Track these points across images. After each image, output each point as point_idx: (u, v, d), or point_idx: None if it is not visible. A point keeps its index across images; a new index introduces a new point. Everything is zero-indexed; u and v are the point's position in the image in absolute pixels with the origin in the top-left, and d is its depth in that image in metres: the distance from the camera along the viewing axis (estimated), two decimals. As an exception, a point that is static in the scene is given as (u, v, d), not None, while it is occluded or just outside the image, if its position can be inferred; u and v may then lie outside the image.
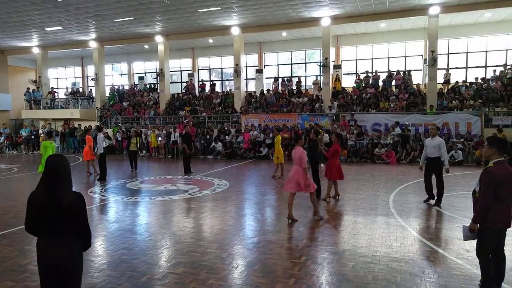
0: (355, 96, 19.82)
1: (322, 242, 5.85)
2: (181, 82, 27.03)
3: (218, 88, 25.17)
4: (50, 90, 26.81)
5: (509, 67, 18.79)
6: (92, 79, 26.18)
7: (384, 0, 16.32)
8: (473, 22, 19.56)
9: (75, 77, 30.45)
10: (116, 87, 26.96)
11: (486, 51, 20.24)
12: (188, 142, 13.66)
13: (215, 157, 18.21)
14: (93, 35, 22.54)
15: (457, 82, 19.28)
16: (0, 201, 8.99)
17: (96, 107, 24.93)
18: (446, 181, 8.32)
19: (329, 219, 7.14)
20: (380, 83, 20.54)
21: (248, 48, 23.22)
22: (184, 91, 24.97)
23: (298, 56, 24.57)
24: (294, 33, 21.97)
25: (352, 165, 15.20)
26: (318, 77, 21.90)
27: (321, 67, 20.38)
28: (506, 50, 19.75)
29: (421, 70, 21.05)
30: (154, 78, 26.01)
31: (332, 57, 20.84)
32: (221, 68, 26.34)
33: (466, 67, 20.71)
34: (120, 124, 22.24)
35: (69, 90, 27.55)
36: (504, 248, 4.05)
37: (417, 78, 20.93)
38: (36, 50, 25.33)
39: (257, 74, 23.43)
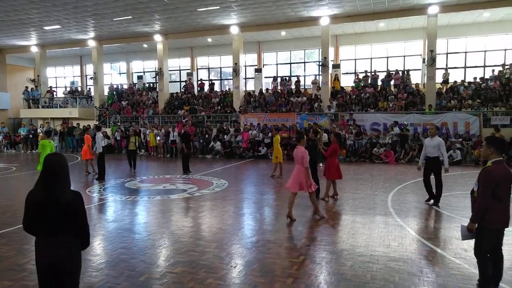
0: (354, 96, 19.83)
1: (321, 241, 5.85)
2: (180, 81, 27.01)
3: (217, 88, 25.15)
4: (49, 89, 26.76)
5: (508, 66, 18.82)
6: (90, 78, 26.13)
7: (383, -1, 16.35)
8: (472, 22, 19.59)
9: (73, 76, 30.41)
10: (115, 86, 26.94)
11: (485, 51, 20.28)
12: (187, 142, 13.66)
13: (214, 157, 18.20)
14: (91, 34, 22.49)
15: (455, 81, 19.31)
16: (-2, 200, 8.98)
17: (95, 106, 24.90)
18: (445, 180, 8.33)
19: (328, 218, 7.14)
20: (379, 83, 20.56)
21: (247, 47, 23.20)
22: (183, 90, 24.96)
23: (297, 55, 24.57)
24: (293, 33, 21.96)
25: (351, 164, 15.21)
26: (317, 76, 21.91)
27: (320, 67, 20.39)
28: (505, 49, 19.79)
29: (420, 69, 21.09)
30: (153, 77, 25.99)
31: (331, 56, 20.83)
32: (220, 67, 26.33)
33: (465, 67, 20.75)
34: (119, 123, 22.21)
35: (68, 89, 27.51)
36: (502, 247, 4.06)
37: (416, 78, 20.96)
38: (34, 49, 25.26)
39: (256, 73, 23.42)
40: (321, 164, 11.44)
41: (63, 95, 26.94)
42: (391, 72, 20.54)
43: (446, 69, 20.20)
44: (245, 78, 23.91)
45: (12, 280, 4.47)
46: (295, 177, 6.87)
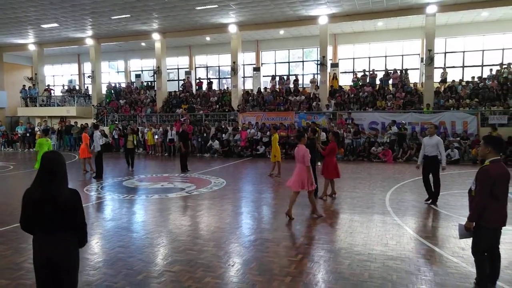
0: (352, 95, 19.85)
1: (319, 240, 5.86)
2: (178, 80, 26.97)
3: (215, 86, 25.12)
4: (46, 87, 26.65)
5: (506, 66, 18.86)
6: (88, 76, 26.04)
7: (382, -2, 16.35)
8: (470, 21, 19.62)
9: (71, 75, 30.32)
10: (113, 84, 26.86)
11: (483, 50, 20.33)
12: (185, 140, 13.64)
13: (212, 155, 18.19)
14: (89, 32, 22.42)
15: (453, 81, 19.35)
16: (-5, 199, 8.96)
17: (93, 105, 24.83)
18: (442, 179, 8.35)
19: (326, 217, 7.14)
20: (377, 82, 20.59)
21: (246, 46, 23.17)
22: (181, 89, 24.91)
23: (296, 54, 24.56)
24: (291, 31, 21.95)
25: (349, 163, 15.23)
26: (316, 75, 21.91)
27: (319, 66, 20.39)
28: (503, 49, 19.84)
29: (418, 69, 21.13)
30: (151, 76, 25.94)
31: (329, 55, 20.84)
32: (218, 66, 26.30)
33: (463, 66, 20.79)
34: (116, 122, 22.16)
35: (66, 87, 27.42)
36: (499, 246, 4.08)
37: (414, 77, 20.99)
38: (32, 47, 25.16)
39: (255, 72, 23.42)
40: (319, 163, 11.44)
41: (60, 94, 26.84)
42: (389, 71, 20.57)
43: (444, 68, 20.24)
44: (244, 77, 23.88)
45: (9, 279, 4.46)
46: (297, 176, 6.87)
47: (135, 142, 14.31)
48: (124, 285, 4.28)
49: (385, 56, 22.22)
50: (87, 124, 18.22)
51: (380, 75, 20.84)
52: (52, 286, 2.88)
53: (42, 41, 24.46)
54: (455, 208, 7.66)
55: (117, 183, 11.10)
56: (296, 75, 22.85)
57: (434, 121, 15.87)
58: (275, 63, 24.81)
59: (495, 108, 16.58)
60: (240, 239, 5.91)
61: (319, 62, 20.18)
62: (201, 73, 26.52)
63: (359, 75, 21.26)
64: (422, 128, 16.22)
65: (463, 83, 19.05)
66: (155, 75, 23.95)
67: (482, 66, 20.24)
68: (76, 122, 22.08)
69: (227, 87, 24.24)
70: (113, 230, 6.42)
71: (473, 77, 19.25)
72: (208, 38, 23.59)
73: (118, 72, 29.31)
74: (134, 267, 4.76)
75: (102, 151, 12.35)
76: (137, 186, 10.59)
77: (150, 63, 27.15)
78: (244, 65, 23.71)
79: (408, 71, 20.79)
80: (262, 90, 21.98)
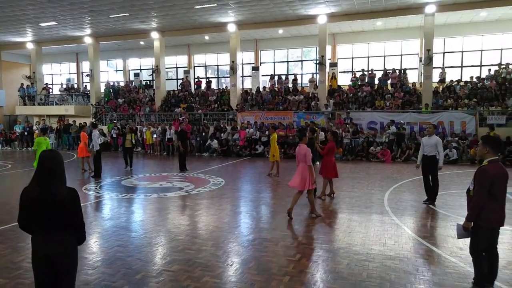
0: (351, 94, 19.86)
1: (317, 240, 5.86)
2: (177, 79, 26.93)
3: (214, 85, 25.10)
4: (45, 86, 26.57)
5: (504, 66, 18.91)
6: (87, 75, 25.99)
7: (381, -2, 16.36)
8: (469, 21, 19.65)
9: (69, 73, 30.26)
10: (111, 83, 26.80)
11: (481, 50, 20.36)
12: (184, 140, 13.63)
13: (211, 155, 18.18)
14: (88, 31, 22.37)
15: (452, 81, 19.39)
16: (-7, 198, 8.93)
17: (91, 104, 24.78)
18: (441, 179, 8.37)
19: (324, 217, 7.15)
20: (376, 82, 20.61)
21: (244, 45, 23.16)
22: (180, 88, 24.88)
23: (294, 53, 24.56)
24: (290, 31, 21.94)
25: (348, 163, 15.24)
26: (314, 75, 21.91)
27: (317, 65, 20.39)
28: (501, 49, 19.88)
29: (416, 68, 21.14)
30: (150, 75, 25.91)
31: (328, 55, 20.85)
32: (217, 65, 26.27)
33: (461, 66, 20.82)
34: (115, 121, 22.12)
35: (64, 86, 27.36)
36: (497, 246, 4.08)
37: (413, 77, 21.02)
38: (30, 46, 25.09)
39: (253, 71, 23.40)
40: (317, 163, 11.45)
41: (59, 92, 26.79)
42: (388, 71, 20.59)
43: (442, 68, 20.27)
44: (242, 76, 23.86)
45: (7, 278, 4.45)
46: (300, 175, 6.88)
47: (133, 141, 14.28)
48: (123, 284, 4.27)
49: (384, 56, 22.25)
50: (85, 123, 18.11)
51: (378, 74, 20.86)
52: (50, 285, 2.87)
53: (41, 39, 24.39)
54: (453, 208, 7.68)
55: (116, 182, 11.09)
56: (295, 75, 22.87)
57: (432, 121, 15.87)
58: (274, 62, 24.80)
59: (493, 108, 16.61)
60: (239, 238, 5.91)
61: (318, 62, 20.18)
62: (200, 72, 26.49)
63: (358, 74, 21.28)
64: (420, 128, 16.25)
65: (462, 83, 19.10)
66: (153, 74, 23.91)
67: (481, 66, 20.27)
68: (74, 121, 22.02)
69: (226, 86, 24.23)
70: (112, 229, 6.41)
71: (471, 77, 19.29)
72: (207, 37, 23.56)
73: (116, 71, 29.26)
74: (132, 267, 4.76)
75: (101, 150, 12.33)
76: (135, 186, 10.58)
77: (148, 62, 27.09)
78: (243, 64, 23.69)
79: (407, 71, 20.82)
80: (261, 89, 21.98)
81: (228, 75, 22.81)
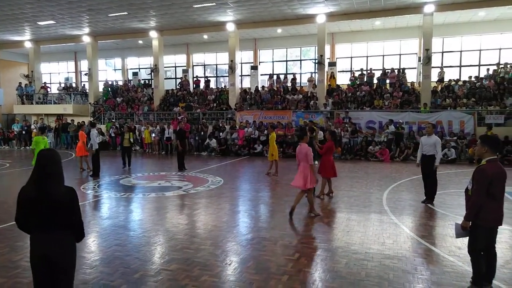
0: (350, 94, 19.87)
1: (316, 239, 5.87)
2: (176, 78, 26.89)
3: (212, 85, 25.09)
4: (43, 85, 26.53)
5: (502, 66, 18.95)
6: (85, 74, 25.94)
7: (380, -2, 16.36)
8: (467, 21, 19.68)
9: (68, 72, 30.18)
10: (110, 82, 26.75)
11: (480, 50, 20.39)
12: (182, 139, 13.62)
13: (210, 154, 18.16)
14: (86, 30, 22.31)
15: (450, 80, 19.41)
16: (-9, 197, 8.91)
17: (90, 103, 24.73)
18: (439, 179, 8.39)
19: (323, 216, 7.16)
20: (375, 81, 20.62)
21: (243, 45, 23.14)
22: (179, 87, 24.84)
23: (293, 53, 24.55)
24: (289, 30, 21.93)
25: (346, 162, 15.25)
26: (313, 74, 21.91)
27: (316, 64, 20.39)
28: (500, 49, 19.91)
29: (415, 68, 21.17)
30: (148, 74, 25.83)
31: (327, 54, 20.85)
32: (216, 65, 26.24)
33: (460, 66, 20.85)
34: (113, 120, 22.08)
35: (62, 85, 27.28)
36: (496, 245, 4.09)
37: (412, 76, 21.04)
38: (28, 44, 25.01)
39: (252, 70, 23.39)
40: (316, 162, 11.44)
41: (57, 91, 26.71)
42: (386, 71, 20.59)
43: (441, 67, 20.30)
44: (241, 76, 23.83)
45: (5, 277, 4.44)
46: (302, 174, 6.88)
47: (131, 140, 14.24)
48: (121, 283, 4.26)
49: (383, 55, 22.25)
50: (83, 122, 18.10)
51: (377, 74, 20.87)
52: (49, 284, 2.87)
53: (39, 38, 24.32)
54: (452, 207, 7.69)
55: (114, 181, 11.07)
56: (293, 74, 22.85)
57: (431, 121, 15.91)
58: (272, 61, 24.79)
59: (491, 107, 16.64)
60: (237, 237, 5.90)
61: (316, 61, 20.18)
62: (199, 71, 26.46)
63: (357, 74, 21.29)
64: (419, 128, 16.28)
65: (460, 83, 19.12)
66: (152, 73, 23.86)
67: (479, 65, 20.31)
68: (72, 120, 22.01)
69: (225, 86, 24.21)
70: (110, 228, 6.40)
71: (470, 77, 19.32)
72: (205, 36, 23.53)
73: (115, 70, 29.19)
74: (131, 266, 4.75)
75: (99, 149, 12.31)
76: (134, 185, 10.56)
77: (147, 61, 27.03)
78: (241, 63, 23.66)
79: (406, 70, 20.85)
80: (259, 88, 21.97)
81: (227, 74, 22.78)
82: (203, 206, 8.03)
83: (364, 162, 15.31)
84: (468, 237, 4.07)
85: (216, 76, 26.36)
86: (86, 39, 23.72)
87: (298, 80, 22.78)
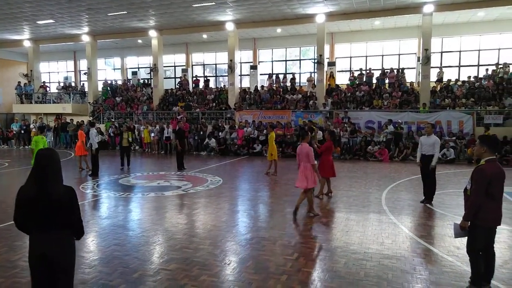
0: (349, 94, 19.87)
1: (315, 239, 5.87)
2: (175, 78, 26.87)
3: (212, 84, 25.07)
4: (42, 84, 26.48)
5: (501, 66, 18.96)
6: (84, 73, 25.90)
7: (379, -3, 16.37)
8: (466, 21, 19.69)
9: (67, 71, 30.12)
10: (109, 82, 26.72)
11: (479, 50, 20.41)
12: (181, 138, 13.61)
13: (209, 154, 18.15)
14: (85, 29, 22.28)
15: (449, 80, 19.42)
16: (-10, 196, 8.89)
17: (89, 102, 24.70)
18: (438, 179, 8.39)
19: (322, 216, 7.16)
20: (374, 81, 20.62)
21: (243, 44, 23.13)
22: (178, 86, 24.81)
23: (293, 52, 24.55)
24: (288, 30, 21.93)
25: (345, 162, 15.26)
26: (312, 74, 21.91)
27: (315, 64, 20.39)
28: (499, 49, 19.93)
29: (414, 68, 21.18)
30: (148, 73, 25.81)
31: (326, 54, 20.85)
32: (215, 64, 26.23)
33: (459, 66, 20.87)
34: (113, 120, 22.06)
35: (61, 84, 27.24)
36: (494, 245, 4.10)
37: (411, 76, 21.05)
38: (27, 44, 24.97)
39: (251, 70, 23.37)
40: (315, 162, 11.45)
41: (56, 91, 26.68)
42: (386, 70, 20.61)
43: (440, 67, 20.31)
44: (240, 75, 23.82)
45: (3, 277, 4.43)
46: (303, 174, 6.89)
47: (130, 139, 14.21)
48: (120, 283, 4.26)
49: (382, 55, 22.26)
50: (83, 121, 18.09)
51: (376, 74, 20.87)
52: (47, 284, 2.86)
53: (38, 37, 24.27)
54: (451, 207, 7.70)
55: (113, 181, 11.06)
56: (293, 74, 22.84)
57: (430, 121, 15.92)
58: (272, 61, 24.78)
59: (490, 108, 16.66)
60: (236, 237, 5.90)
61: (316, 61, 20.18)
62: (198, 71, 26.45)
63: (356, 74, 21.29)
64: (418, 128, 16.30)
65: (459, 83, 19.13)
66: (151, 72, 23.85)
67: (478, 66, 20.33)
68: (72, 120, 21.96)
69: (224, 85, 24.19)
70: (109, 228, 6.39)
71: (469, 77, 19.33)
72: (205, 36, 23.51)
73: (114, 69, 29.16)
74: (130, 265, 4.75)
75: (99, 149, 12.31)
76: (133, 184, 10.56)
77: (146, 61, 27.02)
78: (241, 63, 23.64)
79: (405, 70, 20.85)
80: (259, 88, 21.96)
81: (226, 74, 22.76)
82: (202, 206, 8.03)
83: (363, 162, 15.32)
84: (466, 237, 4.08)
85: (216, 76, 26.35)
86: (86, 38, 23.69)
87: (297, 80, 22.77)
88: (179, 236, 5.92)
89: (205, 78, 25.00)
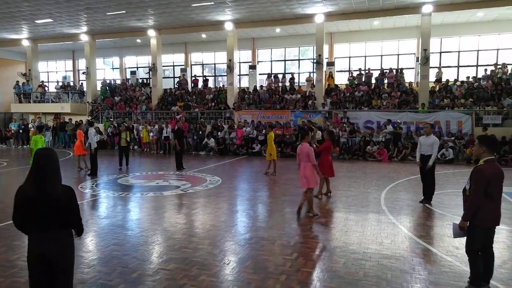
0: (348, 94, 19.89)
1: (314, 238, 5.87)
2: (174, 77, 26.85)
3: (211, 84, 25.05)
4: (40, 83, 26.42)
5: (500, 66, 19.00)
6: (83, 73, 25.84)
7: (378, -3, 16.38)
8: (465, 21, 19.72)
9: (66, 71, 30.07)
10: (108, 81, 26.70)
11: (478, 50, 20.45)
12: (180, 138, 13.59)
13: (208, 153, 18.14)
14: (84, 28, 22.24)
15: (448, 80, 19.46)
16: (-12, 196, 8.87)
17: (87, 102, 24.66)
18: (437, 179, 8.39)
19: (321, 216, 7.16)
20: (373, 81, 20.64)
21: (242, 44, 23.12)
22: (177, 86, 24.81)
23: (292, 52, 24.55)
24: (287, 30, 21.93)
25: (344, 162, 15.27)
26: (311, 74, 21.92)
27: (314, 64, 20.39)
28: (497, 49, 19.97)
29: (413, 68, 21.22)
30: (146, 73, 25.80)
31: (325, 54, 20.86)
32: (214, 64, 26.22)
33: (458, 66, 20.90)
34: (111, 119, 22.03)
35: (60, 83, 27.19)
36: (493, 245, 4.10)
37: (410, 76, 21.08)
38: (26, 43, 24.90)
39: (250, 70, 23.37)
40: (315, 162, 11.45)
41: (55, 90, 26.62)
42: (385, 71, 20.63)
43: (439, 68, 20.34)
44: (239, 75, 23.83)
45: (2, 277, 4.42)
46: (303, 174, 6.89)
47: (128, 139, 14.17)
48: (119, 283, 4.25)
49: (381, 55, 22.28)
50: (81, 121, 18.04)
51: (375, 74, 20.90)
52: (46, 283, 2.86)
53: (36, 36, 24.22)
54: (449, 207, 7.71)
55: (112, 180, 11.05)
56: (292, 74, 22.85)
57: (429, 121, 15.95)
58: (271, 61, 24.78)
59: (489, 108, 16.69)
60: (235, 237, 5.90)
61: (315, 61, 20.19)
62: (197, 71, 26.44)
63: (355, 74, 21.31)
64: (417, 128, 16.32)
65: (458, 83, 19.16)
66: (150, 72, 23.82)
67: (477, 66, 20.36)
68: (70, 119, 21.91)
69: (223, 85, 24.18)
70: (108, 228, 6.38)
71: (468, 77, 19.36)
72: (204, 35, 23.50)
73: (113, 68, 29.12)
74: (128, 265, 4.74)
75: (97, 148, 12.28)
76: (132, 184, 10.54)
77: (145, 60, 26.99)
78: (240, 63, 23.66)
79: (404, 71, 20.87)
80: (258, 88, 21.96)
81: (225, 74, 22.74)
82: (201, 206, 8.02)
83: (362, 162, 15.33)
84: (465, 237, 4.08)
85: (215, 76, 26.34)
86: (84, 38, 23.65)
87: (296, 80, 22.76)
88: (178, 236, 5.91)
89: (204, 78, 24.98)
